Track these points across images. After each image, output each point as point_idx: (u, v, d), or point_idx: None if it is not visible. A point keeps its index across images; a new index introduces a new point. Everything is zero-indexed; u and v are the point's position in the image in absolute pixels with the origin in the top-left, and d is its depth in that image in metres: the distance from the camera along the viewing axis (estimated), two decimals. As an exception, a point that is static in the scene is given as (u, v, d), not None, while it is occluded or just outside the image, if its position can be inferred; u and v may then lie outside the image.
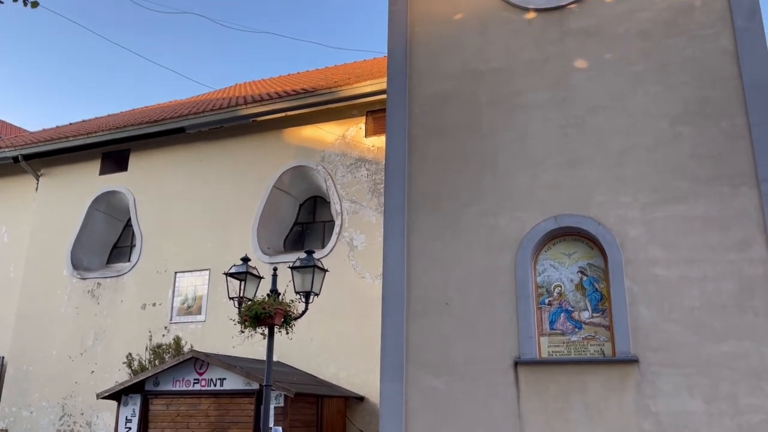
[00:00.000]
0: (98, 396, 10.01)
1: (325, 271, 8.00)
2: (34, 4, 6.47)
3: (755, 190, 6.01)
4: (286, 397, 8.67)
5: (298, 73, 17.62)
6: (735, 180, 6.11)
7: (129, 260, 13.28)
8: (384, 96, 8.68)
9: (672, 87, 6.59)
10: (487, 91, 7.44)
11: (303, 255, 7.99)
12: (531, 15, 7.50)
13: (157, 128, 12.91)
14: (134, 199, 13.31)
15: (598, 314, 6.39)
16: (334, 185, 11.65)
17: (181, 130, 12.78)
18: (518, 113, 7.18)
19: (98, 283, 13.12)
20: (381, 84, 10.73)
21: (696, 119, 6.41)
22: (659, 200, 6.32)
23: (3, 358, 13.61)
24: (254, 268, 8.17)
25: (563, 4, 7.33)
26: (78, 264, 13.51)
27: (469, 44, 7.72)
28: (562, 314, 6.51)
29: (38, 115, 48.81)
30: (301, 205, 12.68)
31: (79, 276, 13.32)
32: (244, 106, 12.31)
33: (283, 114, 12.10)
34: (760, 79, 6.22)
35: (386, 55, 8.36)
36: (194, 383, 9.41)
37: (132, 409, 9.62)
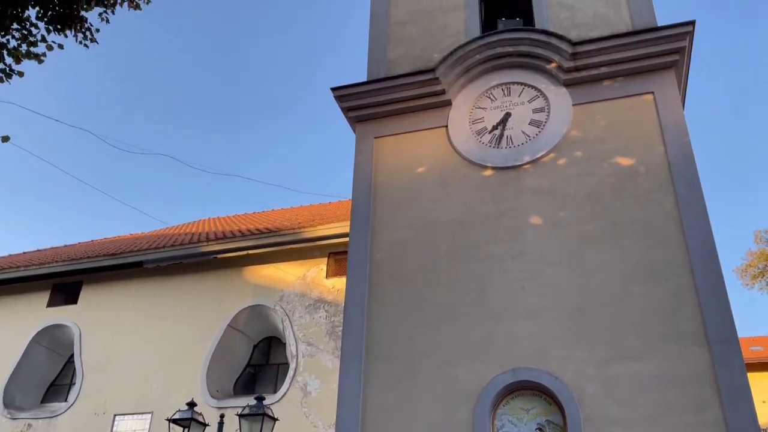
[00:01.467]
0: None
1: (274, 420, 7.64)
2: (5, 139, 6.56)
3: (706, 350, 6.12)
4: None
5: (263, 212, 17.91)
6: (686, 340, 6.23)
7: (66, 400, 12.44)
8: (347, 239, 8.84)
9: (622, 246, 6.89)
10: (446, 241, 7.64)
11: (253, 401, 7.66)
12: (488, 172, 7.92)
13: (114, 261, 12.70)
14: (80, 334, 12.74)
15: (558, 476, 6.14)
16: (291, 326, 11.43)
17: (139, 264, 12.59)
18: (477, 265, 7.34)
19: (29, 425, 12.15)
20: (344, 227, 10.93)
21: (647, 278, 6.65)
22: (615, 357, 6.35)
23: None
24: (200, 414, 7.76)
25: (518, 164, 7.79)
26: (10, 402, 12.57)
27: (430, 196, 8.04)
28: (522, 475, 6.25)
29: (-8, 241, 47.82)
30: (255, 346, 12.31)
31: (9, 416, 12.34)
32: (206, 243, 12.31)
33: (245, 252, 12.11)
34: (703, 243, 6.58)
35: (350, 198, 8.63)
36: None
37: None
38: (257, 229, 12.80)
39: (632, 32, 7.92)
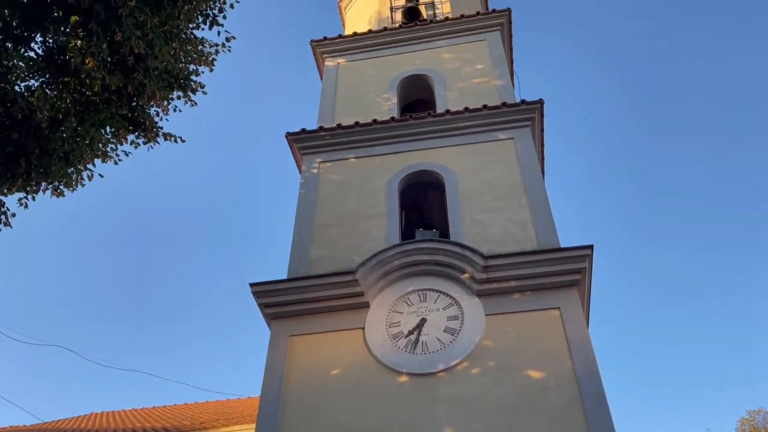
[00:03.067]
0: None
1: None
2: None
3: None
4: None
5: (164, 406, 16.59)
6: None
7: None
8: (251, 445, 8.23)
9: (536, 464, 6.73)
10: (358, 450, 7.25)
11: None
12: (403, 378, 7.82)
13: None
14: None
15: None
16: None
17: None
18: (388, 479, 6.92)
19: None
20: (250, 430, 10.25)
21: (561, 500, 6.43)
22: None
23: None
24: None
25: (433, 371, 7.76)
26: None
27: (343, 400, 7.76)
28: None
29: None
30: None
31: None
32: (92, 443, 11.12)
33: (136, 455, 10.98)
34: (614, 464, 6.53)
35: (257, 395, 8.17)
36: None
37: None
38: (153, 429, 11.77)
39: (537, 251, 8.54)
